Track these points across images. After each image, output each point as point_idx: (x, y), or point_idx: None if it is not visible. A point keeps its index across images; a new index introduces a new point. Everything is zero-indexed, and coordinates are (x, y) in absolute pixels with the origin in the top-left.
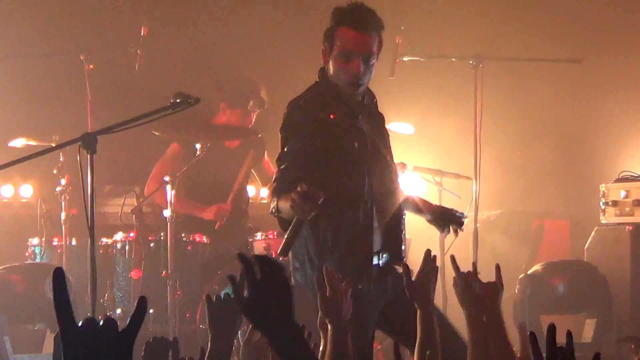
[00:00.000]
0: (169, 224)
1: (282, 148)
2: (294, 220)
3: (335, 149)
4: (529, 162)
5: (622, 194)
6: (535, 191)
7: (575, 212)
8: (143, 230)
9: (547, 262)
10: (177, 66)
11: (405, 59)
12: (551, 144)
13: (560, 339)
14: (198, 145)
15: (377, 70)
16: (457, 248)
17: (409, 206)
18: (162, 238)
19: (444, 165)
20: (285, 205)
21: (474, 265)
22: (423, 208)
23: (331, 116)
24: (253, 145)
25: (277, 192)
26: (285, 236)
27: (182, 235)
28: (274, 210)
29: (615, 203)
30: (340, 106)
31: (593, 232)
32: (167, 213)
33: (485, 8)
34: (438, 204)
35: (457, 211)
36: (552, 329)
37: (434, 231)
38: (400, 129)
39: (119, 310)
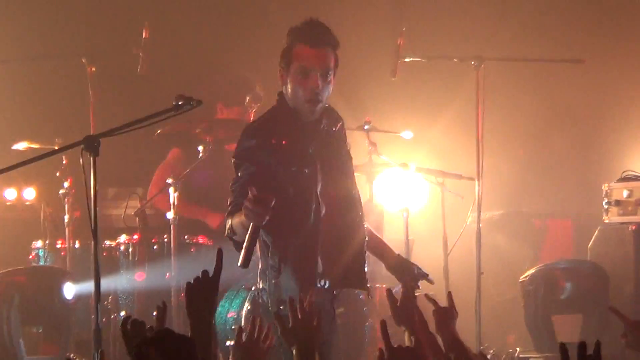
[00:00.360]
0: (172, 226)
1: (236, 173)
2: (249, 229)
3: (285, 174)
4: (532, 162)
5: (625, 193)
6: (538, 191)
7: (578, 211)
8: (146, 232)
9: (555, 261)
10: (180, 68)
11: (406, 60)
12: (553, 144)
13: (565, 339)
14: (201, 147)
15: (379, 71)
16: (460, 248)
17: (370, 246)
18: (165, 240)
19: (447, 166)
20: (238, 221)
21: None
22: (383, 254)
23: (283, 142)
24: None
25: (230, 214)
26: (244, 247)
27: (186, 237)
28: (229, 232)
29: (618, 202)
30: (293, 131)
31: (596, 232)
32: (170, 215)
33: (486, 9)
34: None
35: (417, 267)
36: (582, 346)
37: (436, 233)
38: (401, 134)
39: (122, 313)
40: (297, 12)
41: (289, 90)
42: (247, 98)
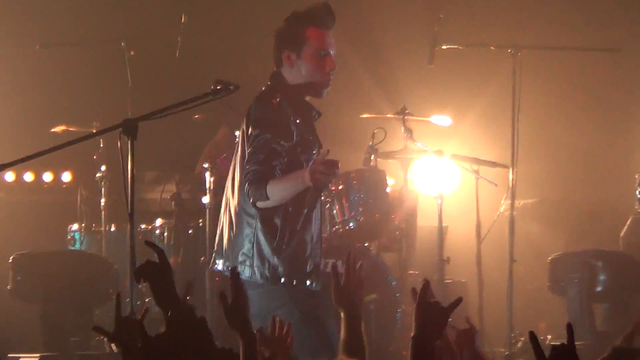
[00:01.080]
0: (207, 210)
1: (255, 139)
2: (311, 192)
3: (300, 152)
4: (566, 150)
5: None
6: (572, 180)
7: (611, 200)
8: (183, 216)
9: (590, 249)
10: (218, 52)
11: (444, 47)
12: (588, 133)
13: None
14: (238, 132)
15: (415, 58)
16: (493, 236)
17: None
18: (200, 225)
19: (481, 153)
20: (283, 186)
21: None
22: None
23: (297, 121)
24: None
25: (262, 180)
26: (306, 210)
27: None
28: (260, 197)
29: None
30: (302, 111)
31: (629, 221)
32: (205, 200)
33: None
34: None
35: None
36: (533, 336)
37: (469, 220)
38: (438, 121)
39: None
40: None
41: (303, 71)
42: None
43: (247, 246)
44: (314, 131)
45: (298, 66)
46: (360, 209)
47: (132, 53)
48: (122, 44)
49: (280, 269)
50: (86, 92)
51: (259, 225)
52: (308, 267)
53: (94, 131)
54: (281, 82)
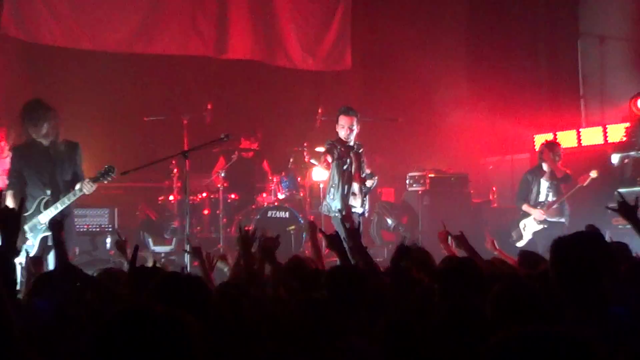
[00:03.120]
0: (220, 191)
1: (326, 155)
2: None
3: (343, 159)
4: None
5: (416, 177)
6: (383, 175)
7: (398, 186)
8: (210, 193)
9: (386, 204)
10: (222, 121)
11: (323, 118)
12: (392, 158)
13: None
14: (233, 156)
15: (309, 123)
16: None
17: None
18: (214, 197)
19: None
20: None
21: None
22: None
23: (341, 148)
24: (258, 156)
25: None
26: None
27: (232, 195)
28: (328, 161)
29: (415, 181)
30: (343, 146)
31: (404, 194)
32: (220, 185)
33: (344, 79)
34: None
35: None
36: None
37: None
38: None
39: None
40: (287, 96)
41: (339, 132)
42: (252, 137)
43: (328, 198)
44: (349, 151)
45: (338, 130)
46: (286, 189)
47: (185, 121)
48: (182, 116)
49: (338, 207)
50: (167, 139)
51: (330, 189)
52: (345, 207)
53: (170, 155)
54: (337, 135)
